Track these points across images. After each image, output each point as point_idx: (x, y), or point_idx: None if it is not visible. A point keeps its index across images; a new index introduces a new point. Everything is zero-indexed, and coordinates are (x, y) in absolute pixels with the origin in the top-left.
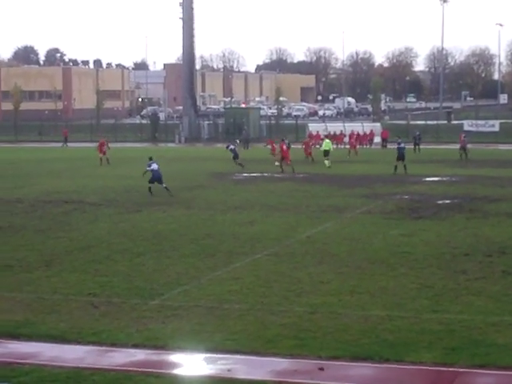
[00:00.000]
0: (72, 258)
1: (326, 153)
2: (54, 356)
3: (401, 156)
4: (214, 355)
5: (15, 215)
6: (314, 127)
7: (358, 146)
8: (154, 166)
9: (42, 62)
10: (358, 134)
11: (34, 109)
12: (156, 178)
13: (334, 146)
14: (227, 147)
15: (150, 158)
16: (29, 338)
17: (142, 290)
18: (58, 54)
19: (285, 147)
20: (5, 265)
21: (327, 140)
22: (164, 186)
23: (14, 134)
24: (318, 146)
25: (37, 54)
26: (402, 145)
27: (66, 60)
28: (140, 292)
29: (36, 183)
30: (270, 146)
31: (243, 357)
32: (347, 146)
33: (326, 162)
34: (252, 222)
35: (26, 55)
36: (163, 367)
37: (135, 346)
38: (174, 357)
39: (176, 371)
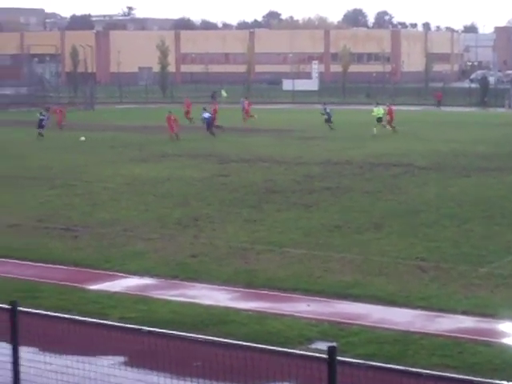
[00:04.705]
0: (401, 221)
1: None
2: (382, 318)
3: None
4: None
5: (344, 176)
6: None
7: None
8: (206, 115)
9: (370, 25)
10: None
11: (361, 71)
12: (208, 122)
13: None
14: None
15: (204, 109)
16: (357, 298)
17: (471, 257)
18: (387, 17)
19: None
20: (335, 225)
21: None
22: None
23: (342, 95)
24: None
25: (365, 17)
26: None
27: (395, 23)
28: (468, 258)
29: (364, 145)
30: None
31: None
32: None
33: None
34: None
35: (355, 18)
36: (493, 336)
37: (464, 313)
38: (504, 326)
39: (506, 340)
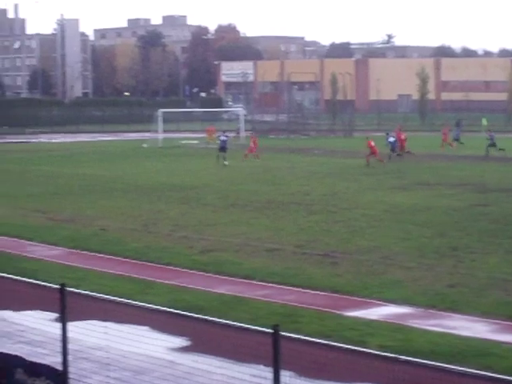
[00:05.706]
0: None
1: None
2: None
3: None
4: None
5: None
6: None
7: None
8: (391, 139)
9: None
10: None
11: None
12: (393, 146)
13: None
14: None
15: (387, 133)
16: None
17: None
18: None
19: None
20: None
21: None
22: (396, 153)
23: None
24: None
25: None
26: None
27: None
28: None
29: None
30: None
31: None
32: None
33: None
34: None
35: None
36: None
37: None
38: None
39: None
